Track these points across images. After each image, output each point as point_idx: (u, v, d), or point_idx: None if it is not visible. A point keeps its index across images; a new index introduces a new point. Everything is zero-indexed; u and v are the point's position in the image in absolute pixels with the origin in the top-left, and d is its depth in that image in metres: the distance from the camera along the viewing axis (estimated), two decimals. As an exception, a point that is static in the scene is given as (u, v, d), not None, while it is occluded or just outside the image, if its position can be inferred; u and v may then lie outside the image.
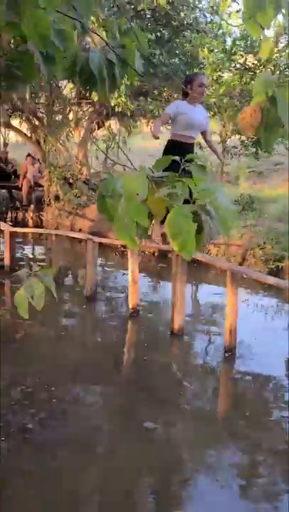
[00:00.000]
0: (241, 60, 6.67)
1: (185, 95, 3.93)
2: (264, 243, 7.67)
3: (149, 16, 7.02)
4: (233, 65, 6.42)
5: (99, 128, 11.72)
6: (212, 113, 7.51)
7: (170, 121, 3.96)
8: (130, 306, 5.02)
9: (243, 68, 6.63)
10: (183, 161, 1.42)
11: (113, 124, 12.20)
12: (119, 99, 6.74)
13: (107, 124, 11.02)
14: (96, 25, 5.99)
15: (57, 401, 3.32)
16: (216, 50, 6.58)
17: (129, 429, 3.02)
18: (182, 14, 7.18)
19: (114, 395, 3.54)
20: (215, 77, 6.58)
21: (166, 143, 4.03)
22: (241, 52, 6.57)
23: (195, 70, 7.03)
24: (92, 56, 1.55)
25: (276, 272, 7.06)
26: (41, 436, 2.91)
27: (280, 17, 6.92)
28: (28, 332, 4.43)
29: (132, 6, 6.59)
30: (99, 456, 2.79)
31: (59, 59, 1.53)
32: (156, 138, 3.77)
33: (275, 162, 15.77)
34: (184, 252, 1.16)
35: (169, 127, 4.15)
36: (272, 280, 4.00)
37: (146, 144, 13.53)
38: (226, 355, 4.11)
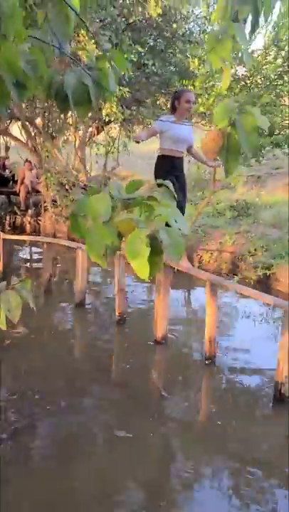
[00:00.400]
0: (231, 71, 6.79)
1: (173, 110, 4.10)
2: (255, 250, 7.79)
3: (141, 28, 7.16)
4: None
5: (98, 133, 11.86)
6: (204, 122, 7.64)
7: (158, 137, 4.13)
8: (117, 314, 5.16)
9: (232, 79, 6.75)
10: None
11: (113, 128, 12.34)
12: (110, 108, 6.88)
13: (107, 128, 11.16)
14: (86, 38, 6.13)
15: (31, 409, 3.45)
16: (207, 61, 6.69)
17: (101, 438, 3.15)
18: (174, 25, 7.31)
19: (90, 402, 3.68)
20: (205, 87, 6.71)
21: (156, 159, 4.21)
22: (231, 64, 6.69)
23: (186, 81, 7.16)
24: (67, 79, 1.62)
25: (266, 279, 7.19)
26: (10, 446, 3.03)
27: (269, 28, 7.02)
28: (14, 339, 4.57)
29: (124, 18, 6.73)
30: (65, 466, 2.89)
31: (30, 86, 1.63)
32: (137, 142, 3.97)
33: (275, 166, 15.88)
34: (140, 274, 1.24)
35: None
36: (250, 292, 4.11)
37: (147, 147, 13.70)
38: (206, 362, 4.24)
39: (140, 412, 3.50)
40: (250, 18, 1.76)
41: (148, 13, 6.80)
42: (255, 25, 2.03)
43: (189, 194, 6.29)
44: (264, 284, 7.13)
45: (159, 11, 6.55)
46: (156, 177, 4.13)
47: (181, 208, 4.26)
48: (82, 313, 5.65)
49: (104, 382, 4.00)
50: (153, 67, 7.32)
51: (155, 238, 1.28)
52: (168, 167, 4.03)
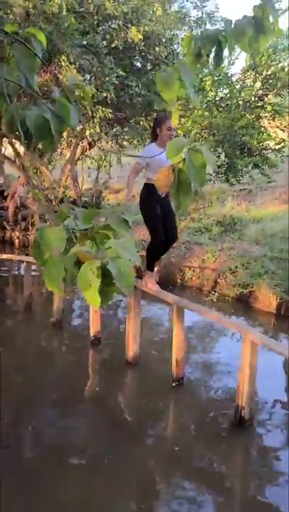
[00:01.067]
0: (210, 95, 6.96)
1: (155, 137, 4.10)
2: (236, 267, 7.90)
3: (124, 51, 7.32)
4: (202, 99, 6.71)
5: (91, 147, 12.03)
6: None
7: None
8: (91, 334, 5.26)
9: (212, 102, 6.92)
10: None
11: (105, 143, 12.51)
12: (94, 128, 7.03)
13: (99, 143, 11.33)
14: (67, 63, 6.28)
15: None
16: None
17: (56, 464, 3.23)
18: (157, 49, 7.49)
19: (49, 423, 3.77)
20: (184, 110, 6.88)
21: (142, 187, 4.18)
22: (210, 87, 6.87)
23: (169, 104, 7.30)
24: (28, 114, 1.68)
25: (245, 297, 7.29)
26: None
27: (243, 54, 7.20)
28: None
29: (106, 43, 6.91)
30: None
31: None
32: (131, 193, 4.06)
33: (267, 180, 16.03)
34: (91, 303, 1.30)
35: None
36: (212, 315, 4.22)
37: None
38: (174, 384, 4.34)
39: (101, 435, 3.59)
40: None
41: (130, 38, 6.98)
42: (218, 60, 2.16)
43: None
44: (243, 302, 7.24)
45: (140, 36, 6.73)
46: (143, 206, 4.19)
47: (176, 227, 4.39)
48: (58, 331, 5.75)
49: (72, 404, 4.08)
50: (136, 89, 7.47)
51: (106, 269, 1.33)
52: (154, 195, 3.97)
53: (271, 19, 2.04)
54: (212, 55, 2.17)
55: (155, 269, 4.59)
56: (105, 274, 1.29)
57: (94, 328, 5.25)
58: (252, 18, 2.06)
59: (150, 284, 4.42)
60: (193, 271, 8.40)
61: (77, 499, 2.91)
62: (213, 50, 2.20)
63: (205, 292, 7.77)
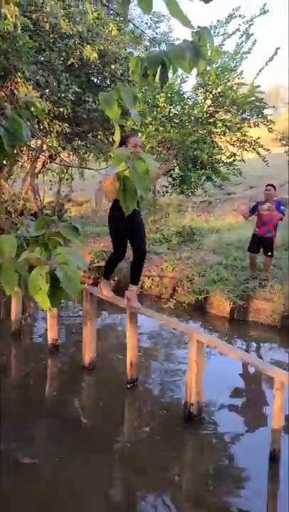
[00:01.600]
0: (164, 111, 7.32)
1: None
2: (193, 275, 8.21)
3: (81, 68, 7.59)
4: (155, 115, 7.06)
5: (52, 160, 12.15)
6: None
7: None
8: (49, 342, 5.37)
9: (165, 118, 7.27)
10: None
11: (67, 155, 12.67)
12: (51, 142, 7.23)
13: (59, 156, 11.47)
14: (23, 79, 6.47)
15: None
16: (140, 101, 7.24)
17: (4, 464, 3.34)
18: (113, 66, 7.80)
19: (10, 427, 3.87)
20: (139, 126, 7.19)
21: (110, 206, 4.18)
22: (164, 104, 7.23)
23: (126, 120, 7.61)
24: None
25: (201, 303, 7.59)
26: None
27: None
28: None
29: (62, 60, 7.16)
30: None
31: None
32: (96, 211, 4.14)
33: (227, 191, 16.65)
34: (42, 306, 1.40)
35: None
36: (163, 319, 4.46)
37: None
38: (128, 386, 4.52)
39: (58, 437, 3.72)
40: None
41: (86, 56, 7.26)
42: (163, 80, 2.39)
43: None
44: (199, 308, 7.54)
45: (95, 55, 7.02)
46: (110, 221, 4.25)
47: (144, 242, 4.40)
48: (17, 341, 5.83)
49: (27, 409, 4.19)
50: (93, 104, 7.74)
51: (55, 274, 1.44)
52: (122, 211, 4.08)
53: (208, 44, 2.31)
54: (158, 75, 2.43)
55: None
56: (54, 279, 1.38)
57: (51, 335, 5.36)
58: (190, 43, 2.32)
59: (105, 291, 4.61)
60: (152, 279, 8.64)
61: (30, 497, 3.03)
62: (159, 70, 2.48)
63: (164, 300, 8.02)
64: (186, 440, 3.81)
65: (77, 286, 1.44)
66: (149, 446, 3.67)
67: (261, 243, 7.31)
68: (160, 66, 2.39)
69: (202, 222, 12.66)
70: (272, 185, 7.05)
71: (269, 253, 7.39)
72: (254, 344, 6.29)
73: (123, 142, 4.10)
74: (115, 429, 4.05)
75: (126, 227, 4.16)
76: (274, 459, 3.39)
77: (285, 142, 11.24)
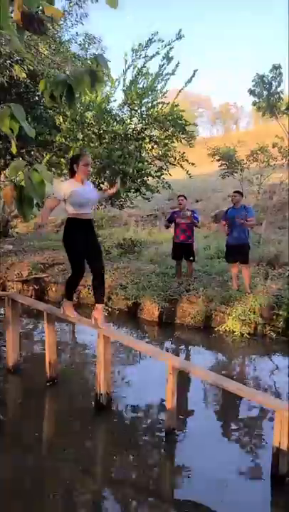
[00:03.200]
0: (93, 128, 7.75)
1: (72, 173, 4.15)
2: (127, 283, 8.59)
3: (11, 87, 7.92)
4: (86, 132, 7.48)
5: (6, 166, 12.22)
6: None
7: (63, 203, 4.09)
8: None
9: (94, 134, 7.70)
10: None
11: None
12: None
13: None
14: None
15: None
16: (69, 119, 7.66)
17: None
18: (43, 86, 8.16)
19: None
20: (70, 139, 7.59)
21: (66, 222, 4.19)
22: (91, 121, 7.66)
23: (57, 136, 7.98)
24: None
25: (133, 308, 7.97)
26: None
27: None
28: None
29: (-8, 79, 7.47)
30: None
31: None
32: (42, 227, 4.20)
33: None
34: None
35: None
36: (79, 319, 4.78)
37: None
38: (48, 384, 4.79)
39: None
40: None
41: (16, 76, 7.60)
42: (70, 100, 2.66)
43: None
44: (131, 313, 7.92)
45: (24, 75, 7.37)
46: (65, 238, 4.19)
47: (101, 259, 4.32)
48: None
49: None
50: (26, 122, 8.05)
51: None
52: (78, 229, 4.12)
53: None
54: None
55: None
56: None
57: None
58: (89, 67, 2.65)
59: (68, 311, 4.57)
60: (88, 289, 8.94)
61: None
62: (65, 91, 2.81)
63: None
64: (94, 427, 4.12)
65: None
66: (60, 433, 3.95)
67: (182, 249, 7.87)
68: (66, 88, 2.71)
69: (146, 234, 13.19)
70: (183, 196, 7.84)
71: (191, 258, 7.93)
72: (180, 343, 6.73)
73: (74, 162, 4.14)
74: (31, 420, 4.29)
75: (84, 247, 4.18)
76: (170, 434, 3.78)
77: (217, 158, 11.93)
